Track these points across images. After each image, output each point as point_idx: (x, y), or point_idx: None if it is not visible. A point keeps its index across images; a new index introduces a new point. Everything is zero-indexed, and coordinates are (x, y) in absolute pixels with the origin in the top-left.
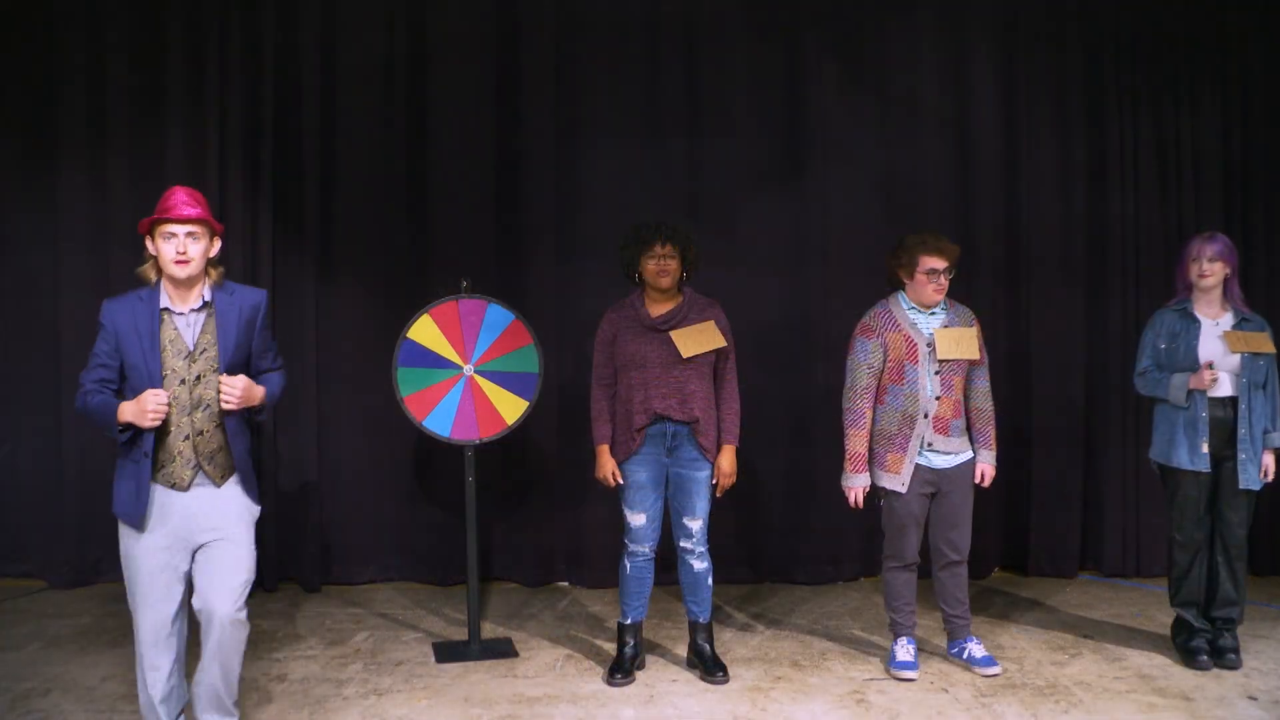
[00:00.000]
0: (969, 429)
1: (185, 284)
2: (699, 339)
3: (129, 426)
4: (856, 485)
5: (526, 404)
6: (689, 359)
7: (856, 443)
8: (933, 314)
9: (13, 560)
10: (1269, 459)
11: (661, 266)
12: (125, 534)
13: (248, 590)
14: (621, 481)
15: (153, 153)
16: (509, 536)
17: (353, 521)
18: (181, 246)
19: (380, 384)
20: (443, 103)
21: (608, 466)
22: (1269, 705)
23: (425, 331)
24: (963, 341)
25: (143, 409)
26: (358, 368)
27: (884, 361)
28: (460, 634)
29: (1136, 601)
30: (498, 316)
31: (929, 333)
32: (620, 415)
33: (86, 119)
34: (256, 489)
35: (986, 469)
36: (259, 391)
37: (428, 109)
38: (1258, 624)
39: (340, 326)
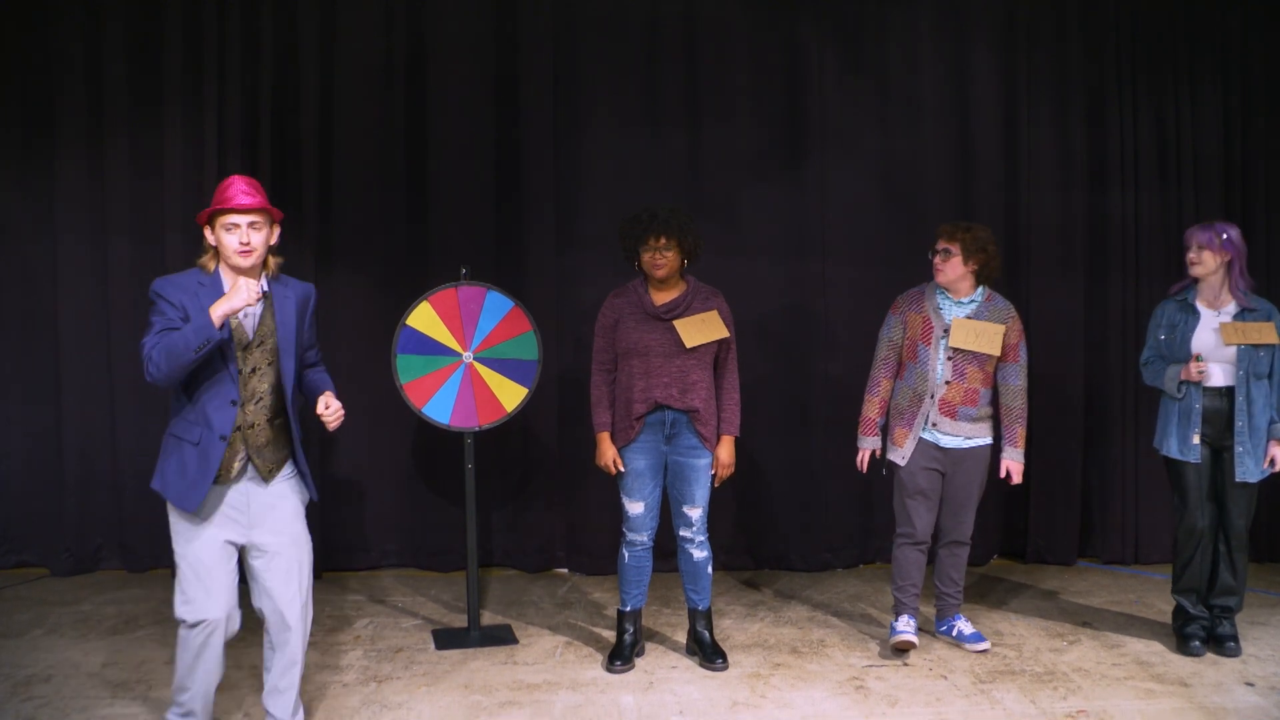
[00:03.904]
0: (998, 423)
1: (247, 274)
2: (702, 328)
3: (204, 342)
4: (864, 447)
5: (526, 391)
6: (691, 348)
7: (868, 408)
8: (960, 304)
9: (14, 548)
10: (1276, 449)
11: (656, 259)
12: (178, 518)
13: (309, 584)
14: (622, 469)
15: (152, 141)
16: (508, 523)
17: (352, 508)
18: (245, 237)
19: (379, 372)
20: (442, 91)
21: (609, 454)
22: (1266, 691)
23: (424, 319)
24: (983, 335)
25: (237, 287)
26: (357, 356)
27: (903, 338)
28: (460, 621)
29: (1135, 589)
30: (497, 303)
31: (949, 319)
32: (619, 402)
33: (86, 107)
34: (308, 473)
35: (1012, 466)
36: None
37: (427, 97)
38: (1256, 611)
39: (340, 315)
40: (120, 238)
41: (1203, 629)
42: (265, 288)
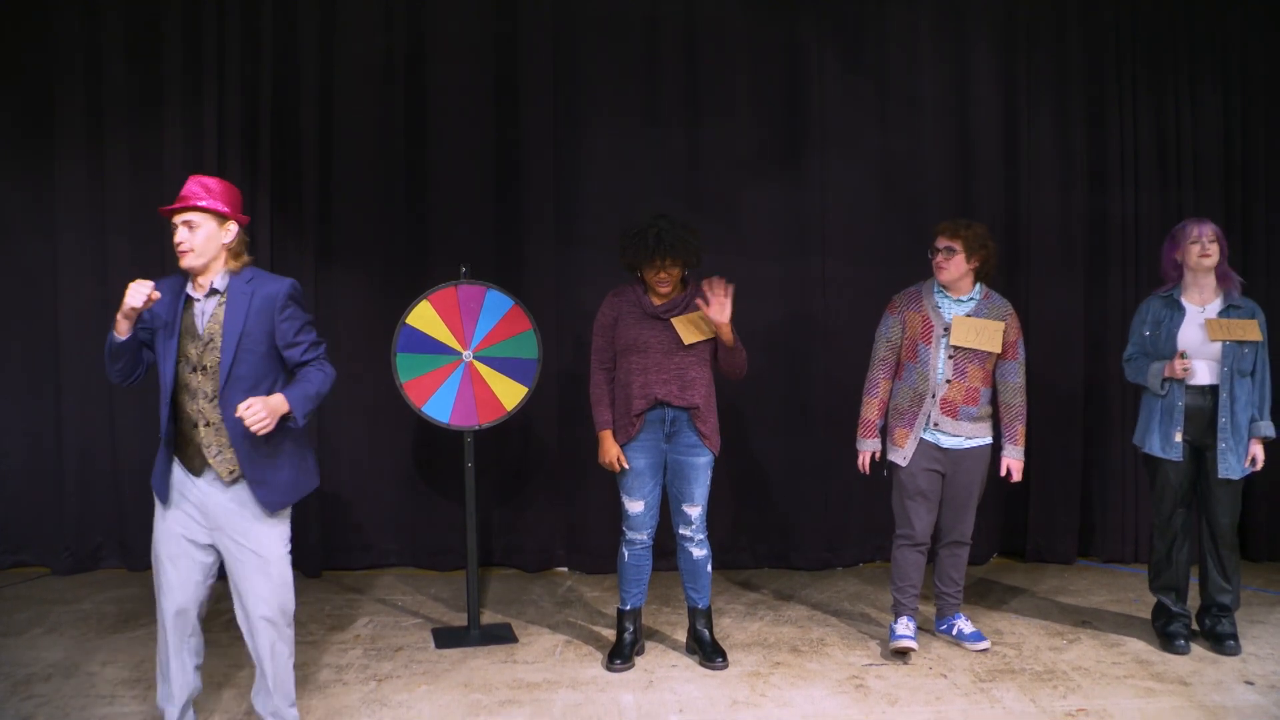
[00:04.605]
0: (997, 422)
1: (201, 274)
2: (700, 325)
3: (109, 345)
4: (864, 449)
5: (525, 390)
6: (690, 345)
7: (867, 409)
8: (960, 301)
9: (14, 547)
10: (1256, 448)
11: (660, 277)
12: (155, 513)
13: (285, 591)
14: (626, 466)
15: (151, 139)
16: (508, 522)
17: (352, 508)
18: (179, 236)
19: (380, 370)
20: (442, 90)
21: (612, 452)
22: (1265, 690)
23: (424, 317)
24: (984, 333)
25: (128, 289)
26: (357, 354)
27: (902, 337)
28: (460, 620)
29: (1134, 587)
30: (497, 302)
31: (949, 318)
32: (619, 399)
33: (86, 106)
34: (282, 495)
35: (1013, 464)
36: (278, 402)
37: (427, 95)
38: (1255, 609)
39: (339, 313)
40: (120, 237)
41: (1185, 626)
42: (221, 284)
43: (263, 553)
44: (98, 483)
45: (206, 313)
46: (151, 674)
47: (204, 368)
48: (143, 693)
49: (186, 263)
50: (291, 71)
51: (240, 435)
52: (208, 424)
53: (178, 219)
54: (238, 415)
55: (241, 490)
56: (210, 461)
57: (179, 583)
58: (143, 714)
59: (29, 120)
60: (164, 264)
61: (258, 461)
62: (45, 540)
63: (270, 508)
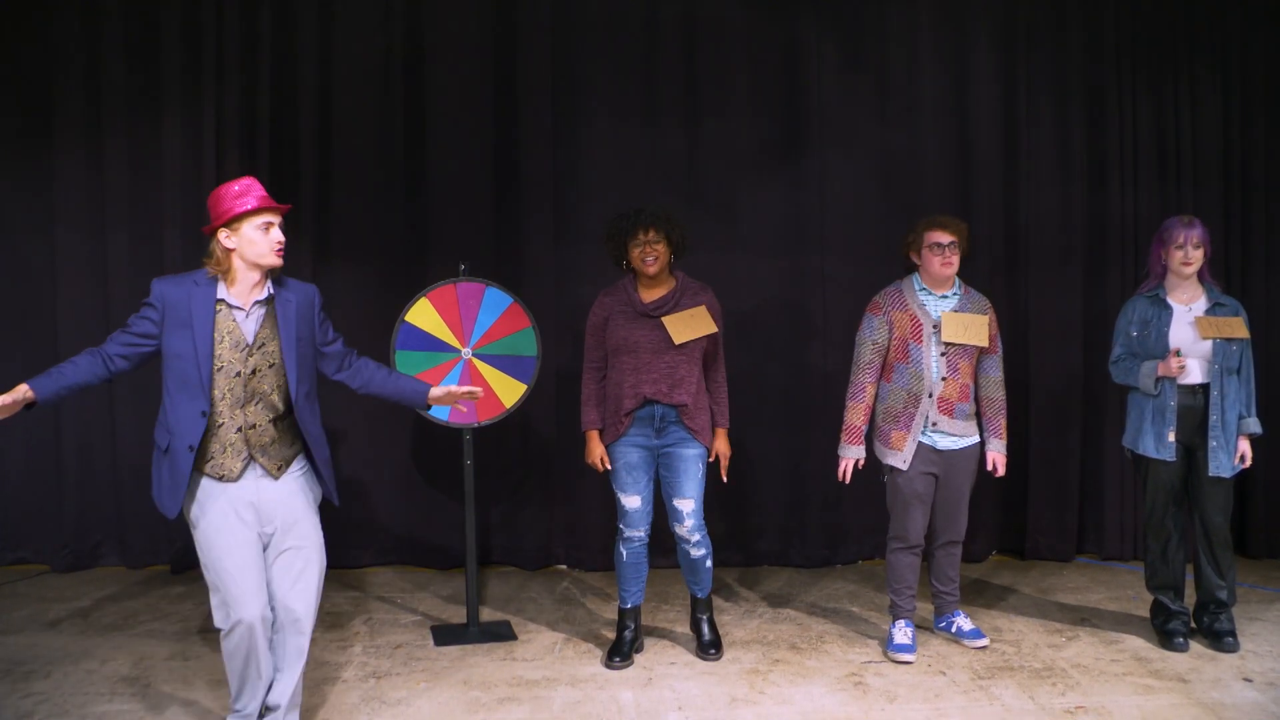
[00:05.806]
0: (980, 418)
1: (261, 275)
2: (690, 324)
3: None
4: (848, 457)
5: (525, 387)
6: (680, 345)
7: (853, 415)
8: (944, 298)
9: (13, 544)
10: (1244, 445)
11: (646, 252)
12: (196, 530)
13: (322, 583)
14: (610, 467)
15: (151, 139)
16: (507, 520)
17: (351, 505)
18: (280, 235)
19: None
20: (441, 88)
21: (596, 452)
22: (1264, 687)
23: (423, 315)
24: (971, 327)
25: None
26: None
27: (889, 339)
28: (459, 617)
29: (1132, 584)
30: (496, 299)
31: (937, 315)
32: (610, 399)
33: (84, 104)
34: (329, 476)
35: (998, 458)
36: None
37: (426, 95)
38: (1253, 607)
39: (338, 311)
40: (119, 234)
41: (1184, 624)
42: (271, 289)
43: (309, 540)
44: (97, 480)
45: (255, 318)
46: (150, 672)
47: (251, 372)
48: (141, 690)
49: (280, 262)
50: (291, 71)
51: (314, 435)
52: (253, 427)
53: (276, 218)
54: (463, 397)
55: (287, 481)
56: (258, 460)
57: (255, 587)
58: (141, 711)
59: (29, 120)
60: (163, 261)
61: (315, 455)
62: (45, 537)
63: (316, 497)
